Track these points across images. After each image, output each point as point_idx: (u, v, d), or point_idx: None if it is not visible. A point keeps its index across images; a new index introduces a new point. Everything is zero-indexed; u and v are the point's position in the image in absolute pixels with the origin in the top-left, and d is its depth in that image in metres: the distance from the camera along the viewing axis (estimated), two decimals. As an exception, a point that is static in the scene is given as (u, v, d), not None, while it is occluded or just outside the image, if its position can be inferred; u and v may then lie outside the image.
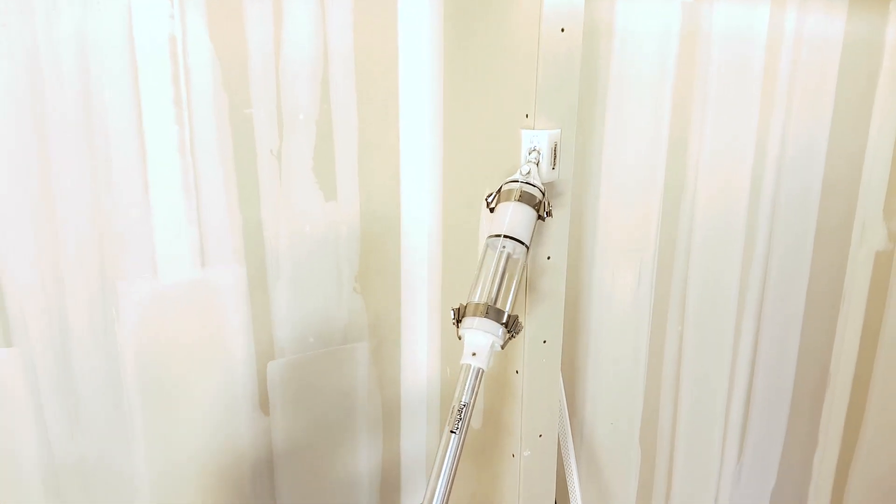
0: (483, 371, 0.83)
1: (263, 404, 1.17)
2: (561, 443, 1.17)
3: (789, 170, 1.37)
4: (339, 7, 1.06)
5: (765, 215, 1.38)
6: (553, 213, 0.94)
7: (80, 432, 1.05)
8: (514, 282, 0.90)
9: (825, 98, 1.37)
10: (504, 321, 0.85)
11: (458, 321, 0.86)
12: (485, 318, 0.85)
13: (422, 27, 1.12)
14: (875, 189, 1.48)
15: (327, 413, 1.23)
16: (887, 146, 1.45)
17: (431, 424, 1.33)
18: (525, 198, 0.91)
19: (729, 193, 1.34)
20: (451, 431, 0.81)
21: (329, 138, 1.10)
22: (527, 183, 0.92)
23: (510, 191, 0.92)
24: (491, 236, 0.90)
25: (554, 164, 0.96)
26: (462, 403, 0.82)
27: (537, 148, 0.95)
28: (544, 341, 1.06)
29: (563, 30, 0.93)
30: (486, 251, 0.91)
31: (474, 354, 0.84)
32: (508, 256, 0.89)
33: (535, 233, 0.93)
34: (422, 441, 1.35)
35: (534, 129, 0.95)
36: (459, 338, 0.86)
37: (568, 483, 1.22)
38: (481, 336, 0.84)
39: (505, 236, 0.89)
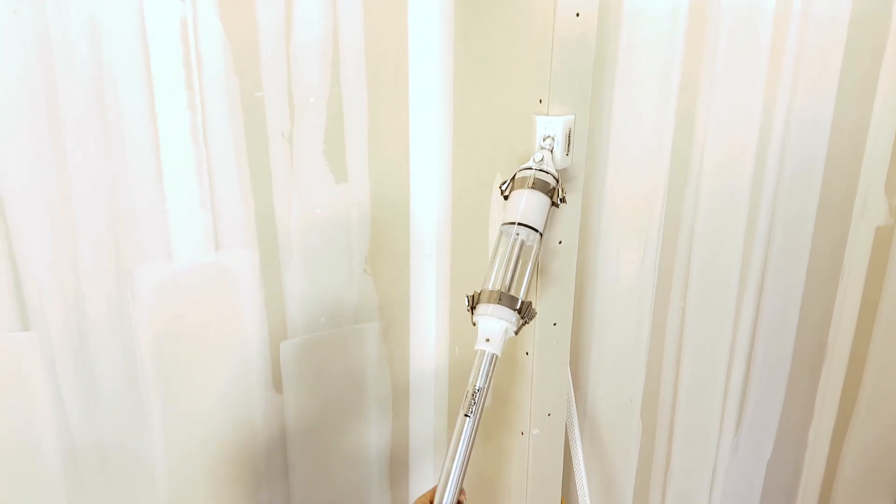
0: (497, 356, 0.85)
1: (277, 383, 1.18)
2: (566, 417, 1.20)
3: (793, 145, 1.37)
4: (350, -12, 1.05)
5: (768, 190, 1.39)
6: (566, 198, 0.95)
7: (98, 414, 1.07)
8: (528, 269, 0.91)
9: (831, 73, 1.37)
10: (517, 307, 0.86)
11: (473, 308, 0.88)
12: (498, 305, 0.86)
13: (433, 8, 1.11)
14: (877, 164, 1.48)
15: (338, 392, 1.25)
16: (890, 122, 1.45)
17: (440, 403, 1.36)
18: (539, 185, 0.91)
19: (733, 169, 1.34)
20: (466, 415, 0.83)
21: (339, 121, 1.09)
22: (540, 170, 0.93)
23: (524, 178, 0.92)
24: (505, 224, 0.91)
25: (568, 151, 0.96)
26: (476, 388, 0.84)
27: (552, 134, 0.95)
28: (554, 324, 1.07)
29: (578, 14, 0.92)
30: (500, 238, 0.91)
31: (488, 340, 0.85)
32: (522, 244, 0.90)
33: (549, 219, 0.93)
34: (430, 419, 1.37)
35: (548, 114, 0.94)
36: (474, 324, 0.87)
37: (573, 455, 1.24)
38: (495, 322, 0.86)
39: (519, 224, 0.89)
